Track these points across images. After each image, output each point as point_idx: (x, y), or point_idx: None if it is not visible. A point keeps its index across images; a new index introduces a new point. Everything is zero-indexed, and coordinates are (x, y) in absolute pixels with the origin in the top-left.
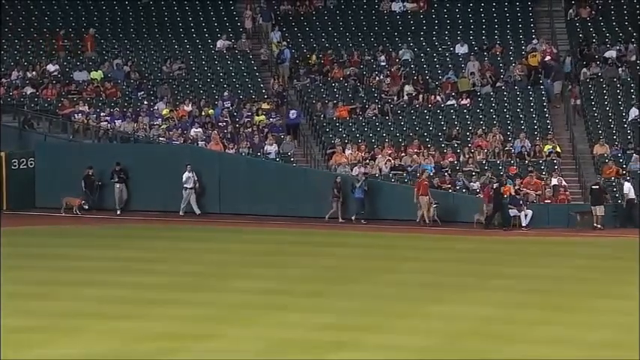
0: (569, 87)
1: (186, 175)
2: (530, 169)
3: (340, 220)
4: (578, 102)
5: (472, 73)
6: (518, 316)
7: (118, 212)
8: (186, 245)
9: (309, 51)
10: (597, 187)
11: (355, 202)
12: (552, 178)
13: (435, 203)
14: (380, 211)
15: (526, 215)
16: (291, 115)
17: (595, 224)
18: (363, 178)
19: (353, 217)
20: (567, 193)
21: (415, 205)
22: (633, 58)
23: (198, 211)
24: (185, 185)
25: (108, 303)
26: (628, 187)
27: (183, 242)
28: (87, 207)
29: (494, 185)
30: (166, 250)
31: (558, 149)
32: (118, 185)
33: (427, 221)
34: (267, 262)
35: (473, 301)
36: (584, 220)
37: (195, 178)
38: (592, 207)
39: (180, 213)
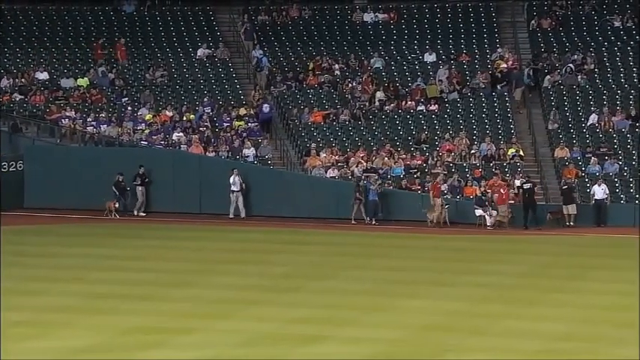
0: (552, 113)
1: (232, 178)
2: (495, 171)
3: (353, 221)
4: (553, 127)
5: (440, 81)
6: (483, 310)
7: (143, 214)
8: (170, 244)
9: (286, 59)
10: (566, 187)
11: (369, 204)
12: (516, 180)
13: (447, 205)
14: (392, 213)
15: (491, 215)
16: (264, 109)
17: (568, 222)
18: (379, 181)
19: (367, 219)
20: None
21: (428, 207)
22: (592, 66)
23: (243, 214)
24: (232, 188)
25: (94, 299)
26: (601, 190)
27: (167, 241)
28: (117, 205)
29: (526, 186)
30: (151, 249)
31: (521, 153)
32: (140, 188)
33: (437, 222)
34: (248, 260)
35: (442, 296)
36: (554, 218)
37: (241, 181)
38: (564, 206)
39: (230, 216)
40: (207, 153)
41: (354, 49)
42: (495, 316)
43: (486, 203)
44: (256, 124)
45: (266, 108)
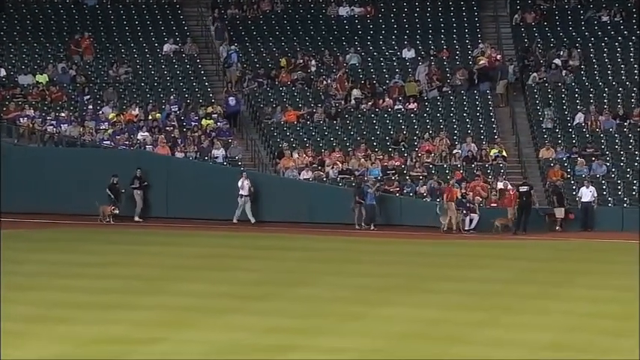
0: (552, 110)
1: (241, 182)
2: (477, 172)
3: (357, 227)
4: (550, 125)
5: (417, 81)
6: (464, 317)
7: (136, 218)
8: (137, 249)
9: (257, 55)
10: (552, 189)
11: (367, 208)
12: (498, 182)
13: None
14: (392, 218)
15: (471, 219)
16: (230, 102)
17: (556, 227)
18: (377, 184)
19: (363, 224)
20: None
21: (439, 212)
22: (578, 63)
23: (252, 220)
24: (240, 192)
25: (57, 307)
26: (589, 192)
27: (135, 246)
28: (117, 212)
29: (522, 189)
30: (117, 254)
31: (504, 153)
32: (138, 192)
33: (454, 228)
34: (217, 266)
35: (420, 304)
36: (550, 220)
37: (250, 185)
38: (554, 209)
39: (234, 220)
40: (174, 154)
41: (329, 44)
42: (479, 324)
43: (467, 206)
44: (225, 122)
45: (232, 101)
